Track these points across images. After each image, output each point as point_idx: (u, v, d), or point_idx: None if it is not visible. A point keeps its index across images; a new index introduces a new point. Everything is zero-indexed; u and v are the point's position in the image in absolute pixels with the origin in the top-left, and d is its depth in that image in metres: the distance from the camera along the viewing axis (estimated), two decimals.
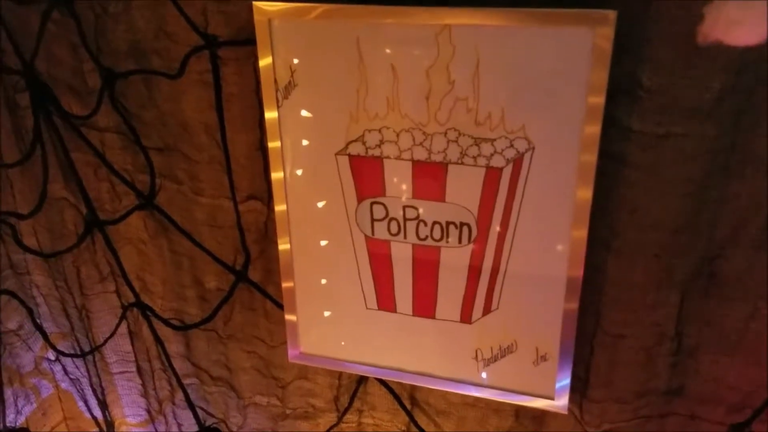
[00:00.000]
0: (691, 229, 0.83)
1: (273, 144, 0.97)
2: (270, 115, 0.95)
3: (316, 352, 1.12)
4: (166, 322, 1.19)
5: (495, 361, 1.01)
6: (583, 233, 0.86)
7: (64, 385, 1.45)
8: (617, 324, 0.93)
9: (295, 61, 0.91)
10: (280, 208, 1.01)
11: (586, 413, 1.01)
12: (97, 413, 1.44)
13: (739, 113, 0.77)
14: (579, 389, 0.99)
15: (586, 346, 0.96)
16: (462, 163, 0.88)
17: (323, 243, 1.02)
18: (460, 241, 0.94)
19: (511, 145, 0.85)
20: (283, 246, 1.04)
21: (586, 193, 0.83)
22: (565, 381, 0.96)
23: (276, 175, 0.99)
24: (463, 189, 0.90)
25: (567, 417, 1.02)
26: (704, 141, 0.78)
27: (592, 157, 0.81)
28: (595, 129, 0.80)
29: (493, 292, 0.96)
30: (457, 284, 0.97)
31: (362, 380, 1.16)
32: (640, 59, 0.77)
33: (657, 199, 0.82)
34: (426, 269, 0.98)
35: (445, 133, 0.87)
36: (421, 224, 0.94)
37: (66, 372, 1.42)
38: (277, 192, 1.00)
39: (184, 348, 1.26)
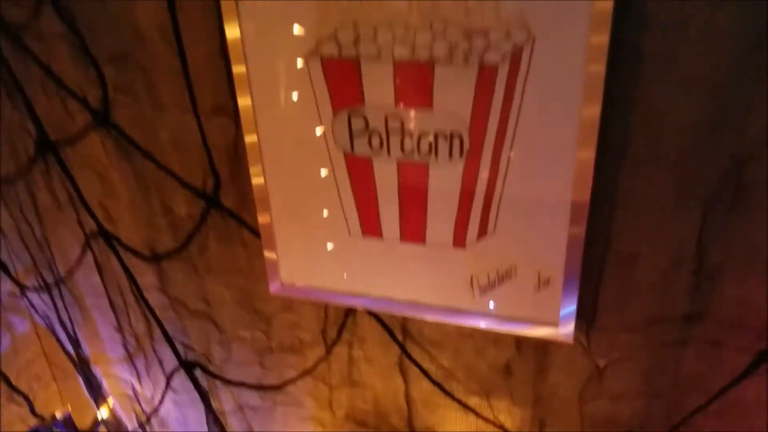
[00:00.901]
0: (717, 132, 0.73)
1: (234, 47, 0.84)
2: (228, 9, 0.82)
3: (299, 283, 1.03)
4: (134, 252, 1.09)
5: (492, 288, 0.92)
6: (592, 137, 0.75)
7: (41, 320, 1.37)
8: (631, 242, 0.83)
9: None
10: (247, 121, 0.90)
11: (594, 342, 0.93)
12: (70, 348, 1.36)
13: None
14: (586, 316, 0.90)
15: (595, 267, 0.86)
16: (451, 62, 0.76)
17: (298, 163, 0.91)
18: (450, 155, 0.83)
19: (508, 37, 0.72)
20: (254, 169, 0.93)
21: (595, 93, 0.71)
22: (570, 307, 0.87)
23: (241, 88, 0.87)
24: (453, 93, 0.78)
25: (573, 346, 0.94)
26: (733, 28, 0.67)
27: (602, 49, 0.69)
28: (605, 13, 0.67)
29: (489, 211, 0.86)
30: (448, 205, 0.87)
31: (350, 311, 1.08)
32: None
33: (677, 98, 0.72)
34: (413, 189, 0.88)
35: (431, 25, 0.74)
36: (407, 137, 0.83)
37: (33, 307, 1.33)
38: (242, 103, 0.88)
39: (157, 280, 1.17)
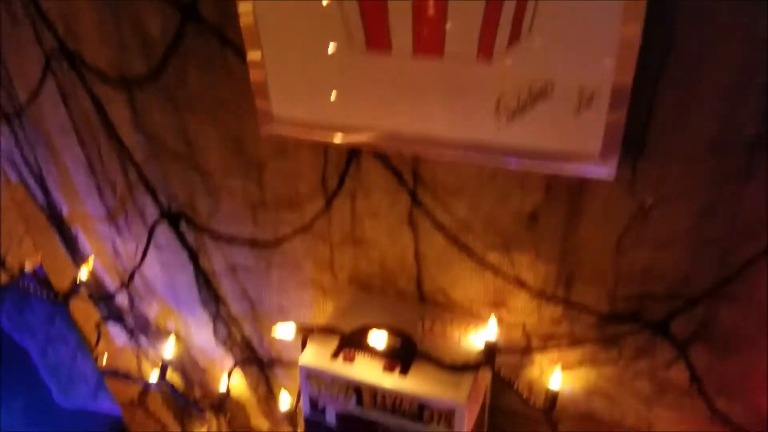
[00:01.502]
0: None
1: None
2: None
3: (294, 118, 0.90)
4: (101, 76, 0.94)
5: (523, 111, 0.77)
6: None
7: (8, 167, 1.23)
8: (695, 45, 0.68)
9: None
10: None
11: (640, 176, 0.79)
12: (40, 197, 1.23)
13: None
14: (634, 143, 0.76)
15: (648, 80, 0.71)
16: None
17: None
18: None
19: None
20: None
21: None
22: (616, 132, 0.73)
23: None
24: None
25: (614, 185, 0.80)
26: None
27: None
28: None
29: (524, 9, 0.70)
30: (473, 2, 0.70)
31: (354, 155, 0.95)
32: None
33: None
34: None
35: None
36: None
37: None
38: None
39: (131, 113, 1.03)
